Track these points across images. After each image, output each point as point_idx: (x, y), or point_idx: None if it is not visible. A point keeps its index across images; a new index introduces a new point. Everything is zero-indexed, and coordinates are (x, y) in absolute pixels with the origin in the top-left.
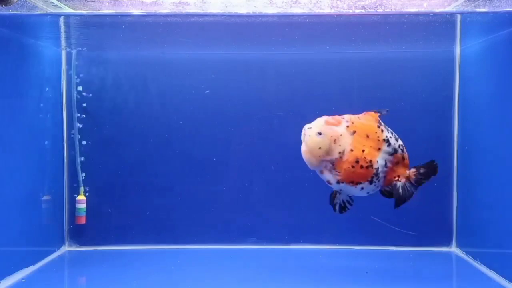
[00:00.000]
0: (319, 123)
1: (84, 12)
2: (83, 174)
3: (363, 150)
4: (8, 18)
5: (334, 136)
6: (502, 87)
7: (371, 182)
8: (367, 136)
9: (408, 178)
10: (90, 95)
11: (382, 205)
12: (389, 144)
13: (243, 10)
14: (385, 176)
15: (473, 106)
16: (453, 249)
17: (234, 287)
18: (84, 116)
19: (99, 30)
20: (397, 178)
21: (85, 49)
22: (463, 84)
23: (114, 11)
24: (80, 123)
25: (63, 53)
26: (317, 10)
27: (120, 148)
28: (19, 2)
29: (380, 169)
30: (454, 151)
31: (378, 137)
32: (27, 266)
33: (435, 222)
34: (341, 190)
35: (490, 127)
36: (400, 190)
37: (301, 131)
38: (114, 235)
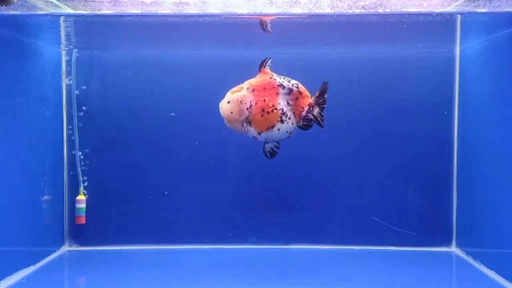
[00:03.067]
0: (227, 94)
1: (84, 12)
2: (83, 174)
3: (264, 100)
4: (8, 18)
5: (239, 98)
6: (502, 87)
7: (282, 122)
8: (264, 88)
9: (310, 104)
10: (90, 95)
11: (382, 205)
12: (284, 87)
13: (243, 10)
14: (294, 113)
15: (473, 106)
16: (453, 249)
17: (234, 287)
18: (84, 116)
19: (99, 30)
20: (302, 109)
21: (85, 49)
22: (463, 84)
23: (114, 11)
24: (80, 123)
25: (63, 53)
26: (317, 10)
27: (120, 148)
28: (19, 2)
29: (285, 109)
30: (454, 151)
31: (272, 85)
32: (27, 266)
33: (435, 222)
34: (266, 139)
35: (490, 127)
36: (311, 115)
37: (300, 130)
38: (114, 235)
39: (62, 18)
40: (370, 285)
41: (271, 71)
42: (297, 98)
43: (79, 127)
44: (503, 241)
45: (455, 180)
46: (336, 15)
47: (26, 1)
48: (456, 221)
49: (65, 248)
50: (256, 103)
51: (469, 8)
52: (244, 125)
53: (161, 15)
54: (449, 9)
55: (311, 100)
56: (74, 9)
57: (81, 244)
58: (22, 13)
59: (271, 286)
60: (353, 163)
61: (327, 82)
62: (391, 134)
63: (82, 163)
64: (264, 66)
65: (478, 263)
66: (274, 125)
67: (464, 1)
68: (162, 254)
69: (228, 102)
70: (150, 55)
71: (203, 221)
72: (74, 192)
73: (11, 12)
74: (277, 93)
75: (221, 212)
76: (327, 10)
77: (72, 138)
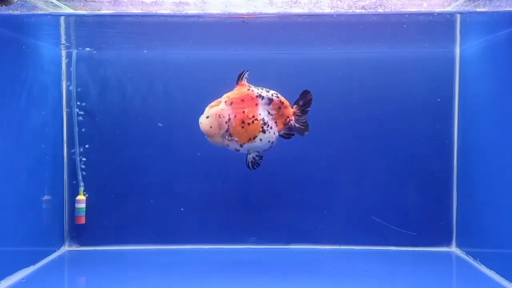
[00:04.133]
0: (206, 109)
1: (84, 12)
2: (83, 174)
3: (243, 112)
4: (8, 18)
5: (217, 112)
6: (502, 87)
7: (264, 132)
8: (242, 100)
9: (294, 114)
10: (90, 95)
11: (382, 205)
12: (263, 97)
13: (243, 10)
14: (276, 122)
15: (473, 106)
16: (453, 249)
17: (234, 287)
18: (84, 116)
19: (99, 30)
20: (287, 119)
21: (85, 49)
22: (463, 84)
23: (114, 11)
24: (80, 123)
25: (63, 53)
26: (317, 10)
27: (120, 148)
28: (19, 2)
29: (266, 119)
30: (454, 151)
31: (251, 96)
32: (27, 266)
33: (435, 222)
34: (248, 150)
35: (490, 127)
36: (296, 125)
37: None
38: (114, 235)
39: (62, 18)
40: (370, 285)
41: (249, 83)
42: (279, 108)
43: (79, 127)
44: (503, 241)
45: (455, 180)
46: (336, 15)
47: (26, 1)
48: (456, 221)
49: (65, 248)
50: (235, 116)
51: (469, 8)
52: (226, 137)
53: (161, 15)
54: (449, 9)
55: (294, 109)
56: (74, 9)
57: (81, 244)
58: (22, 13)
59: (271, 286)
60: (353, 163)
61: (309, 91)
62: (391, 134)
63: (82, 163)
64: (242, 79)
65: (478, 263)
66: (256, 136)
67: (464, 1)
68: (162, 254)
69: (207, 117)
70: (150, 55)
71: (203, 221)
72: (74, 192)
73: (11, 12)
74: (256, 104)
75: (221, 212)
76: (327, 10)
77: (72, 138)
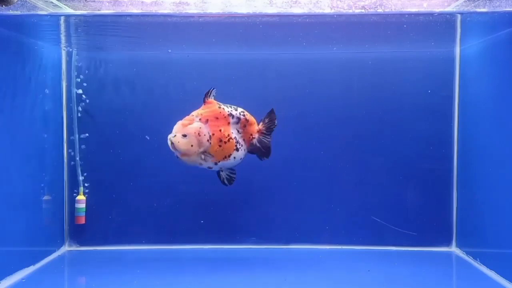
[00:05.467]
0: (179, 128)
1: (84, 12)
2: (83, 174)
3: (220, 130)
4: (8, 18)
5: (196, 131)
6: (502, 87)
7: (237, 150)
8: (217, 118)
9: (259, 131)
10: (90, 95)
11: (382, 205)
12: (233, 116)
13: (243, 10)
14: (244, 140)
15: (473, 106)
16: (453, 249)
17: (234, 287)
18: (84, 115)
19: (99, 30)
20: (251, 136)
21: (85, 49)
22: (463, 84)
23: (114, 11)
24: (80, 123)
25: (63, 53)
26: (317, 10)
27: (120, 148)
28: (19, 2)
29: (237, 137)
30: (454, 151)
31: (223, 115)
32: (27, 266)
33: (435, 222)
34: (221, 168)
35: (490, 127)
36: (258, 144)
37: (301, 131)
38: (114, 235)
39: (62, 18)
40: (370, 285)
41: (216, 100)
42: (244, 126)
43: (79, 127)
44: (503, 241)
45: (455, 180)
46: (336, 15)
47: (26, 1)
48: (456, 221)
49: (65, 248)
50: (213, 134)
51: (469, 8)
52: (203, 156)
53: (161, 15)
54: (449, 9)
55: (259, 126)
56: (74, 9)
57: (81, 244)
58: (22, 13)
59: (271, 286)
60: (353, 163)
61: (274, 111)
62: (391, 133)
63: (82, 163)
64: (209, 96)
65: (478, 263)
66: (231, 154)
67: (464, 1)
68: (162, 254)
69: (184, 136)
70: (150, 55)
71: (203, 221)
72: (74, 192)
73: (11, 12)
74: (228, 123)
75: (221, 212)
76: (327, 10)
77: (72, 138)
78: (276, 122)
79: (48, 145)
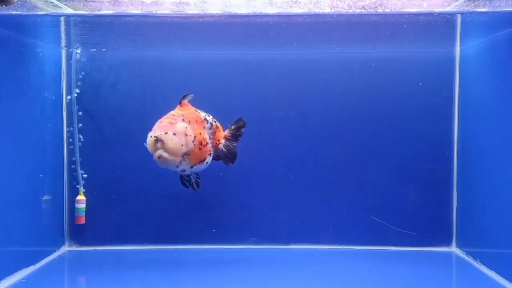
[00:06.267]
0: (167, 126)
1: (84, 12)
2: (83, 174)
3: (200, 133)
4: (8, 18)
5: (184, 131)
6: (502, 87)
7: (210, 155)
8: (196, 122)
9: (225, 137)
10: (90, 95)
11: (382, 205)
12: (207, 121)
13: (243, 10)
14: (212, 146)
15: (473, 106)
16: (453, 249)
17: (234, 287)
18: (84, 115)
19: (99, 30)
20: (218, 142)
21: (85, 49)
22: (463, 84)
23: (114, 11)
24: (80, 123)
25: (63, 53)
26: (317, 10)
27: (120, 148)
28: (19, 2)
29: (209, 142)
30: (454, 151)
31: (201, 119)
32: (27, 266)
33: (435, 222)
34: (192, 171)
35: (490, 127)
36: (224, 149)
37: (301, 131)
38: (114, 235)
39: (62, 18)
40: (370, 285)
41: (192, 105)
42: (214, 132)
43: (79, 127)
44: (503, 241)
45: (455, 180)
46: (336, 15)
47: (26, 1)
48: (456, 221)
49: (65, 248)
50: (195, 136)
51: (469, 8)
52: (184, 157)
53: (161, 15)
54: (449, 9)
55: (226, 132)
56: (74, 9)
57: (81, 244)
58: (22, 13)
59: (271, 286)
60: (353, 163)
61: (242, 118)
62: (391, 134)
63: (82, 163)
64: (185, 99)
65: (478, 263)
66: (205, 158)
67: (464, 1)
68: (162, 254)
69: (174, 134)
70: (150, 55)
71: (203, 221)
72: (74, 192)
73: (11, 12)
74: (204, 127)
75: (220, 212)
76: (327, 10)
77: (72, 138)
78: (243, 130)
79: (48, 145)
